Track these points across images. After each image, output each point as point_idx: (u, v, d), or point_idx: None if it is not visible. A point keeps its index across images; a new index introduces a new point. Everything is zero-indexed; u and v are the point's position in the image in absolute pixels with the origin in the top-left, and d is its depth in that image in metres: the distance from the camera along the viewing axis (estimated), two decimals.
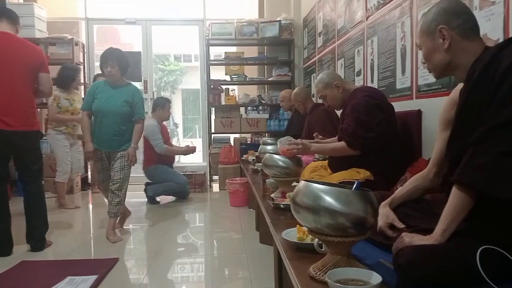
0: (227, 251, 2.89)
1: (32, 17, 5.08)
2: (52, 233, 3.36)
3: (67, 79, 4.40)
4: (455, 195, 1.13)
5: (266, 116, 5.54)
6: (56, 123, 4.37)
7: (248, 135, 5.76)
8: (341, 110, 2.46)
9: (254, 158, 4.38)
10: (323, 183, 1.21)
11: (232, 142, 5.72)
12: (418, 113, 2.28)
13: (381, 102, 2.18)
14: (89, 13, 5.97)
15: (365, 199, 1.12)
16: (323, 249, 1.34)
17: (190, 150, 4.81)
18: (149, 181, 4.77)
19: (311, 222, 1.14)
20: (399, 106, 2.39)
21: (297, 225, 1.58)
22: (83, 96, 4.86)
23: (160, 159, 4.62)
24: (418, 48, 1.42)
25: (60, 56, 5.30)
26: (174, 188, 4.55)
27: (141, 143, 4.78)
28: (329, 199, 1.11)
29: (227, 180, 4.45)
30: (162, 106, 4.69)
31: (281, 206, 2.11)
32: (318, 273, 1.17)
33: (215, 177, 5.57)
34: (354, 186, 1.24)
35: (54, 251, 2.97)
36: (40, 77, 2.90)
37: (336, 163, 2.32)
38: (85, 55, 5.81)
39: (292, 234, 1.56)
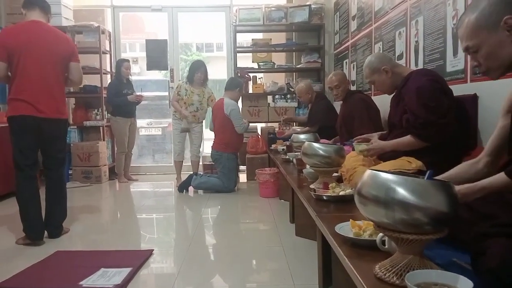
0: (263, 243, 2.77)
1: (59, 5, 5.03)
2: (80, 222, 3.33)
3: (190, 73, 4.90)
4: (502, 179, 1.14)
5: (295, 104, 5.38)
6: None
7: (276, 124, 5.61)
8: (391, 96, 2.29)
9: (284, 147, 4.25)
10: (393, 173, 1.06)
11: (259, 132, 5.59)
12: (474, 97, 2.09)
13: (444, 86, 2.01)
14: (115, 0, 5.89)
15: (445, 191, 0.98)
16: (386, 247, 1.20)
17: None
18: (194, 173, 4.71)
19: (382, 217, 1.00)
20: None
21: (350, 220, 1.45)
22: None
23: (232, 145, 4.55)
24: (470, 52, 1.27)
25: (87, 44, 5.26)
26: (219, 188, 4.44)
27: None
28: (402, 192, 0.97)
29: (257, 171, 4.33)
30: (241, 87, 4.69)
31: (324, 197, 1.98)
32: (387, 274, 1.03)
33: (242, 167, 5.46)
34: (426, 175, 1.09)
35: (85, 241, 2.93)
36: (70, 66, 2.91)
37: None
38: (111, 43, 5.75)
39: (345, 229, 1.42)
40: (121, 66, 5.15)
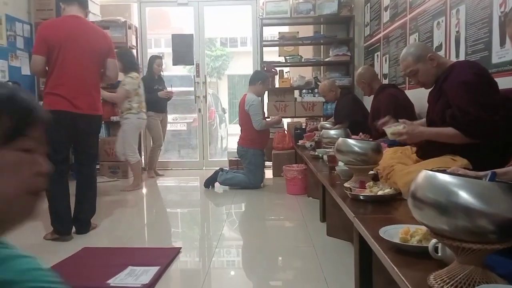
0: (293, 243, 2.68)
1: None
2: (107, 218, 3.31)
3: None
4: None
5: (322, 99, 5.22)
6: None
7: (303, 120, 5.50)
8: (428, 90, 2.15)
9: (313, 143, 4.14)
10: (451, 174, 0.95)
11: (285, 127, 5.48)
12: None
13: (490, 80, 1.85)
14: None
15: None
16: (439, 255, 1.09)
17: (280, 119, 4.71)
18: (221, 168, 4.64)
19: (441, 224, 0.89)
20: None
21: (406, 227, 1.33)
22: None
23: (258, 141, 4.45)
24: None
25: (114, 39, 5.17)
26: (245, 184, 4.35)
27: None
28: (466, 196, 0.86)
29: (284, 167, 4.23)
30: (264, 80, 4.51)
31: (361, 197, 1.87)
32: (444, 287, 0.93)
33: (268, 163, 5.36)
34: (488, 177, 0.97)
35: (112, 237, 2.91)
36: (107, 62, 2.91)
37: (427, 148, 2.02)
38: (138, 38, 5.75)
39: (390, 233, 1.31)
40: (153, 62, 5.10)
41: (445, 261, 1.08)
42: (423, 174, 0.95)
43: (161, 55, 5.56)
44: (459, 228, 0.87)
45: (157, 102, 5.09)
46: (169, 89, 5.25)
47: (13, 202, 0.65)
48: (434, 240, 1.07)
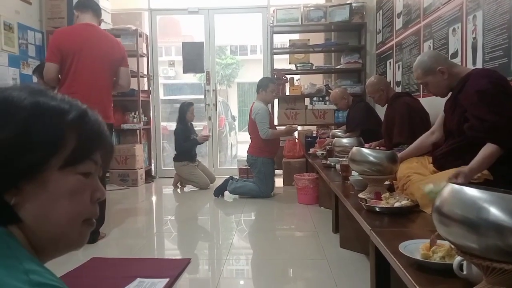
0: (305, 255, 2.60)
1: None
2: (116, 227, 3.28)
3: None
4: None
5: (334, 107, 5.17)
6: None
7: (314, 128, 5.44)
8: (445, 98, 2.08)
9: (324, 152, 4.08)
10: (479, 188, 0.89)
11: (296, 135, 5.43)
12: None
13: (508, 89, 1.78)
14: (152, 4, 5.90)
15: None
16: (464, 273, 1.03)
17: (292, 130, 4.60)
18: (232, 176, 4.58)
19: (470, 242, 0.83)
20: None
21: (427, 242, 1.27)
22: None
23: (266, 149, 4.38)
24: None
25: (125, 47, 5.25)
26: (256, 193, 4.29)
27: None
28: (497, 212, 0.80)
29: (295, 176, 4.17)
30: (265, 87, 4.43)
31: (377, 209, 1.81)
32: None
33: (278, 172, 5.30)
34: None
35: (121, 246, 2.87)
36: (120, 71, 2.90)
37: (444, 158, 1.95)
38: (149, 46, 5.76)
39: (409, 248, 1.25)
40: (187, 110, 4.98)
41: (471, 281, 1.01)
42: (450, 188, 0.89)
43: (171, 62, 5.54)
44: (490, 247, 0.81)
45: (191, 151, 4.99)
46: (205, 133, 5.24)
47: (66, 230, 0.61)
48: (459, 258, 1.01)
